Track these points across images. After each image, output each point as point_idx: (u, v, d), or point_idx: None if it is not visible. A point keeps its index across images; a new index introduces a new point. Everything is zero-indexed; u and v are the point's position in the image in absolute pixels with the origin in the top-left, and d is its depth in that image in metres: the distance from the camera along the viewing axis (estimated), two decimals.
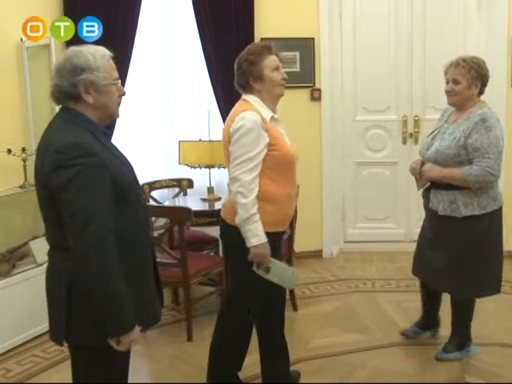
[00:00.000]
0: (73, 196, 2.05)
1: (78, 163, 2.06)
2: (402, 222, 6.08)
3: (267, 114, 3.08)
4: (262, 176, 3.04)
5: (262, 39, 5.47)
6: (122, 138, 5.00)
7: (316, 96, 5.68)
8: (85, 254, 2.05)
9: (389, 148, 5.95)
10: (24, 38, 4.36)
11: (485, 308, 4.59)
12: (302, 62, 5.61)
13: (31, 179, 4.37)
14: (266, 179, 3.05)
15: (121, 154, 2.35)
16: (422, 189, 3.90)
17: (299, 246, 5.08)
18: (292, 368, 3.59)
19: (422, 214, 5.99)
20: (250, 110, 3.05)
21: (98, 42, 3.62)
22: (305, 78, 5.63)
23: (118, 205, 2.14)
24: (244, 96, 3.17)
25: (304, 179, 4.96)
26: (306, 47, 5.60)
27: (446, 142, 3.57)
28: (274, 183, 3.08)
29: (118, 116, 2.38)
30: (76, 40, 3.98)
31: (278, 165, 3.07)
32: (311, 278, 5.29)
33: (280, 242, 3.31)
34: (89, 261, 2.05)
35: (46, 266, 2.33)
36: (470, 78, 3.59)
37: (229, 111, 4.04)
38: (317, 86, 5.69)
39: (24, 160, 4.38)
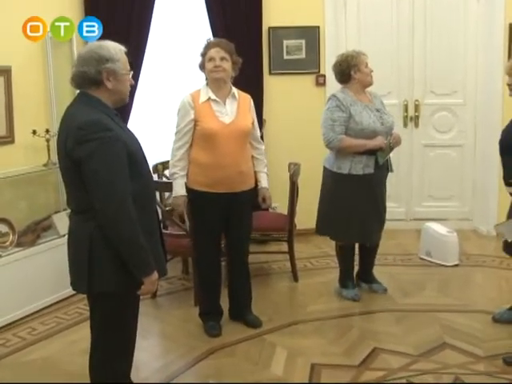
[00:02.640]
0: (96, 165, 2.44)
1: (97, 137, 2.44)
2: (403, 201, 6.37)
3: (204, 96, 3.89)
4: (195, 145, 3.89)
5: (270, 28, 5.82)
6: (137, 121, 5.38)
7: (321, 82, 5.98)
8: (112, 213, 2.45)
9: None
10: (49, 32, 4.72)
11: (473, 280, 4.95)
12: (308, 49, 5.92)
13: (54, 158, 4.75)
14: (196, 147, 3.89)
15: (131, 132, 2.74)
16: (384, 160, 4.34)
17: (303, 223, 5.38)
18: (287, 329, 4.08)
19: (423, 194, 6.37)
20: (190, 93, 3.94)
21: (115, 35, 4.05)
22: (310, 64, 5.94)
23: (133, 174, 2.53)
24: None
25: (307, 159, 5.32)
26: (311, 35, 5.90)
27: (390, 116, 4.49)
28: (201, 151, 3.87)
29: (126, 102, 2.78)
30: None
31: (202, 137, 3.85)
32: (313, 253, 5.59)
33: (235, 204, 3.94)
34: (116, 218, 2.45)
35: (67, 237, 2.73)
36: None
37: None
38: (322, 72, 5.97)
39: (47, 140, 4.73)
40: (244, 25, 5.67)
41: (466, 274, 5.10)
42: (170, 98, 5.84)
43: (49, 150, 4.75)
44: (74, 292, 4.51)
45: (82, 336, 3.93)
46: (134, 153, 2.59)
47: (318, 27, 5.91)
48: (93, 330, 2.75)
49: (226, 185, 3.89)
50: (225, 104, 3.92)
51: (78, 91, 2.69)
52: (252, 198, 4.12)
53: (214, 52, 3.88)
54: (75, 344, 3.91)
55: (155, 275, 2.61)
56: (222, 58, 3.87)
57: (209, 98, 3.89)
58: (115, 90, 2.63)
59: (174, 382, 3.55)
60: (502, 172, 3.91)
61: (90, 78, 2.58)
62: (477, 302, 4.48)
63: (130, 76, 2.72)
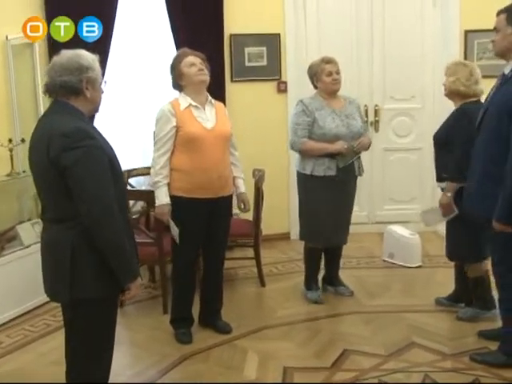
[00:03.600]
0: (82, 172, 2.46)
1: (82, 145, 2.47)
2: (365, 205, 6.46)
3: (184, 103, 3.91)
4: (177, 151, 3.89)
5: (232, 35, 5.86)
6: (101, 128, 5.32)
7: (282, 88, 6.05)
8: (99, 219, 2.47)
9: None
10: (9, 37, 4.68)
11: (436, 280, 5.06)
12: (269, 56, 5.98)
13: (18, 168, 4.72)
14: (179, 153, 3.89)
15: (106, 139, 2.74)
16: (349, 162, 4.44)
17: (268, 228, 5.44)
18: (257, 334, 4.14)
19: (384, 197, 6.49)
20: (169, 102, 3.95)
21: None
22: (271, 71, 6.00)
23: (113, 179, 2.56)
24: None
25: (271, 165, 5.38)
26: (272, 42, 5.97)
27: (359, 122, 4.55)
28: (183, 156, 3.88)
29: (98, 111, 2.82)
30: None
31: (185, 142, 3.86)
32: (279, 258, 5.65)
33: (217, 209, 3.97)
34: (103, 224, 2.48)
35: (32, 247, 2.71)
36: None
37: None
38: (283, 79, 6.05)
39: (10, 150, 4.68)
40: (206, 32, 5.69)
41: (428, 275, 5.21)
42: (134, 103, 5.87)
43: (12, 159, 4.69)
44: (39, 304, 4.56)
45: (52, 347, 3.93)
46: (111, 159, 2.61)
47: (279, 34, 5.98)
48: (71, 338, 2.73)
49: (208, 190, 3.91)
50: (204, 110, 3.96)
51: (52, 100, 2.67)
52: (231, 205, 4.16)
53: (192, 58, 3.97)
54: (46, 356, 3.88)
55: (139, 279, 2.65)
56: (201, 63, 3.97)
57: (189, 105, 3.92)
58: (92, 99, 2.66)
59: (159, 381, 3.58)
60: (435, 167, 4.17)
61: (71, 87, 2.59)
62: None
63: (103, 85, 2.74)
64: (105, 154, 2.55)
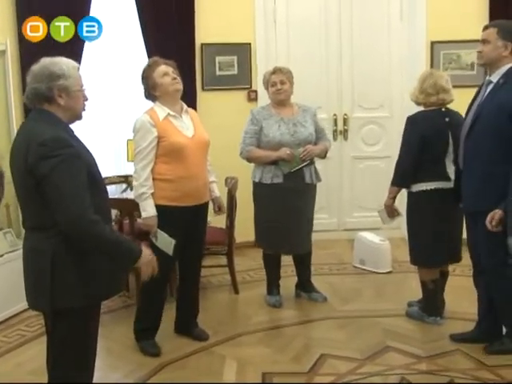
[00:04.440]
0: (58, 181, 2.46)
1: (59, 154, 2.47)
2: (335, 212, 6.56)
3: (162, 113, 3.88)
4: (159, 161, 3.86)
5: (203, 44, 5.90)
6: None
7: (252, 97, 6.10)
8: (77, 225, 2.48)
9: None
10: None
11: (407, 285, 5.14)
12: (240, 65, 6.03)
13: None
14: (161, 163, 3.86)
15: (87, 147, 2.74)
16: (294, 169, 4.55)
17: (241, 236, 5.47)
18: (234, 341, 4.17)
19: (354, 205, 6.58)
20: (145, 113, 3.91)
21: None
22: (242, 80, 6.06)
23: (91, 188, 2.55)
24: (153, 104, 3.96)
25: (242, 173, 5.39)
26: (243, 52, 6.03)
27: (309, 130, 4.64)
28: (167, 166, 3.86)
29: (81, 118, 2.79)
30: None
31: (169, 152, 3.84)
32: (251, 265, 5.66)
33: (197, 217, 4.02)
34: (82, 230, 2.49)
35: (5, 256, 2.70)
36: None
37: None
38: (253, 88, 6.09)
39: None
40: (177, 41, 5.72)
41: (399, 280, 5.30)
42: (106, 112, 5.86)
43: None
44: (13, 313, 4.50)
45: (28, 357, 3.91)
46: (91, 167, 2.63)
47: (250, 44, 6.04)
48: (53, 346, 2.72)
49: (194, 197, 3.94)
50: (182, 119, 3.98)
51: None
52: (208, 211, 4.21)
53: (165, 68, 3.95)
54: (22, 366, 3.85)
55: (146, 255, 2.68)
56: (173, 72, 3.98)
57: (168, 114, 3.90)
58: (68, 107, 2.65)
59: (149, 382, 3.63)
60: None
61: (41, 94, 2.59)
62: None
63: (84, 91, 2.73)
64: (82, 162, 2.55)
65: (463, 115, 3.99)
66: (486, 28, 3.79)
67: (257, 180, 4.61)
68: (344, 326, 4.39)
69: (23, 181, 2.57)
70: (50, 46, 4.74)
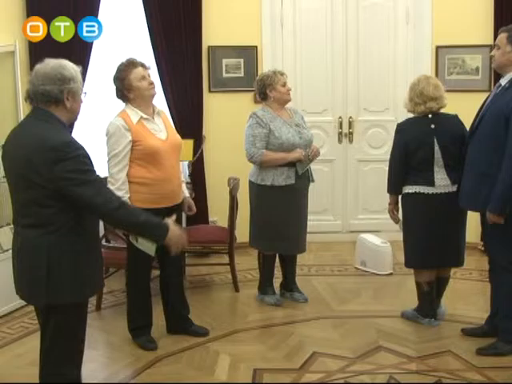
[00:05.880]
0: (77, 181, 2.62)
1: (72, 156, 2.62)
2: (339, 214, 6.62)
3: (135, 116, 3.89)
4: (134, 165, 3.88)
5: (210, 47, 6.00)
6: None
7: (258, 99, 6.17)
8: (105, 213, 2.74)
9: (326, 147, 6.43)
10: None
11: (406, 287, 5.18)
12: (246, 67, 6.11)
13: None
14: (137, 167, 3.89)
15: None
16: (305, 169, 4.65)
17: (244, 236, 5.56)
18: (229, 337, 4.28)
19: (358, 207, 6.63)
20: (119, 116, 3.90)
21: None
22: (249, 82, 6.12)
23: None
24: (124, 106, 3.94)
25: (246, 174, 5.48)
26: (249, 54, 6.11)
27: (309, 131, 4.81)
28: (143, 169, 3.90)
29: (76, 120, 2.97)
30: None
31: (144, 155, 3.85)
32: (253, 265, 5.67)
33: (179, 217, 4.12)
34: (114, 212, 2.72)
35: (11, 251, 2.83)
36: None
37: (180, 117, 4.81)
38: None
39: None
40: (184, 44, 5.82)
41: (399, 282, 5.34)
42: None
43: None
44: (17, 306, 4.63)
45: (28, 349, 4.02)
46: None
47: (256, 47, 6.12)
48: (46, 339, 2.82)
49: (169, 198, 4.00)
50: (154, 121, 4.00)
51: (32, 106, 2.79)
52: (181, 211, 4.29)
53: (142, 70, 3.95)
54: (21, 357, 3.97)
55: (173, 230, 2.86)
56: (149, 75, 4.02)
57: (140, 117, 3.92)
58: (72, 109, 2.78)
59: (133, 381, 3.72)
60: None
61: (52, 96, 2.70)
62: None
63: (83, 96, 2.86)
64: (91, 161, 2.71)
65: (467, 119, 4.13)
66: (499, 32, 3.91)
67: (269, 183, 4.59)
68: (339, 326, 4.46)
69: (24, 181, 2.67)
70: (57, 46, 4.91)
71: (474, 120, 3.97)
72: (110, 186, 3.81)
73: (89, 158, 2.70)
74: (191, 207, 4.32)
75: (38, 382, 2.88)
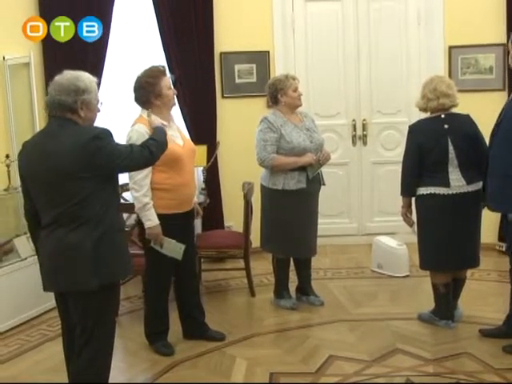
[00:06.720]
0: (124, 155, 2.98)
1: (110, 141, 2.94)
2: (355, 217, 6.61)
3: (156, 122, 3.84)
4: (156, 171, 3.88)
5: (222, 53, 6.03)
6: None
7: (270, 103, 6.20)
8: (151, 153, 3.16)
9: (340, 150, 6.45)
10: (6, 57, 4.86)
11: (422, 290, 5.17)
12: (259, 73, 6.14)
13: (14, 183, 4.85)
14: (159, 173, 3.90)
15: None
16: (316, 173, 4.67)
17: (258, 240, 5.56)
18: (246, 342, 4.29)
19: (374, 210, 6.62)
20: (140, 123, 3.91)
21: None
22: (261, 87, 6.11)
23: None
24: (141, 112, 3.97)
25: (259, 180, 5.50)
26: (261, 59, 6.14)
27: (320, 134, 4.83)
28: (164, 175, 3.93)
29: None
30: None
31: (166, 161, 3.76)
32: (269, 269, 5.67)
33: (189, 222, 4.22)
34: (153, 154, 3.17)
35: (29, 259, 2.94)
36: None
37: (194, 123, 4.83)
38: None
39: (8, 166, 4.81)
40: (197, 50, 5.87)
41: (415, 284, 5.33)
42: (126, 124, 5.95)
43: (9, 175, 4.83)
44: (36, 314, 4.69)
45: (48, 355, 4.09)
46: None
47: (268, 52, 6.14)
48: (84, 329, 3.03)
49: (188, 203, 4.09)
50: (171, 127, 4.03)
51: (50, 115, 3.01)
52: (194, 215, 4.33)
53: (168, 80, 4.03)
54: (41, 363, 4.03)
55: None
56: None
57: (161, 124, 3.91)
58: (86, 118, 2.98)
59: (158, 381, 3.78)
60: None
61: (66, 106, 2.91)
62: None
63: (99, 105, 3.04)
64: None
65: (482, 119, 4.17)
66: None
67: (280, 187, 4.62)
68: (355, 329, 4.46)
69: (65, 181, 2.86)
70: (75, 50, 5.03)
71: (496, 121, 3.93)
72: (134, 192, 3.91)
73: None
74: (198, 211, 4.39)
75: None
